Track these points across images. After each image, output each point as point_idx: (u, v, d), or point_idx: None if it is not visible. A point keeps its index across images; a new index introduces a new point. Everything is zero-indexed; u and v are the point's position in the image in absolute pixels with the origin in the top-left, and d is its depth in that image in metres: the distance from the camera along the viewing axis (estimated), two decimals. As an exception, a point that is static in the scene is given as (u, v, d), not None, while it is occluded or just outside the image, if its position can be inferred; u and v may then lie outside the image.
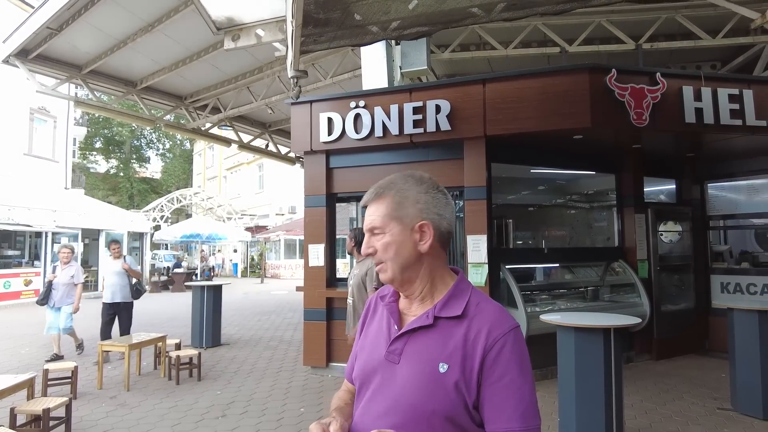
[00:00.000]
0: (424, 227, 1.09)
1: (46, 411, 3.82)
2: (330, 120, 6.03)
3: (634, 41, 7.66)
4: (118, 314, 7.23)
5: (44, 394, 4.95)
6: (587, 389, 3.62)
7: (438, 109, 5.63)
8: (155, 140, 48.30)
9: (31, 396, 4.11)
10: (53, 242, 15.56)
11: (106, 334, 7.10)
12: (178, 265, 21.42)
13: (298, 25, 3.48)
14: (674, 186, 7.91)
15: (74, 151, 25.09)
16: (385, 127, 5.80)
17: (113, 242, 7.52)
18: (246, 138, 12.92)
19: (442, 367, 1.00)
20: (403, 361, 1.07)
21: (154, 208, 24.57)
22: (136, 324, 10.30)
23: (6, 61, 9.53)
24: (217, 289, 8.05)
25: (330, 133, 6.02)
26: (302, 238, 25.36)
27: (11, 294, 13.96)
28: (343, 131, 5.97)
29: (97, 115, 36.75)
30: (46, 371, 5.14)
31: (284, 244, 26.71)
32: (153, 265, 24.22)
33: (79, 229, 16.27)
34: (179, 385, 5.72)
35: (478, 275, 5.56)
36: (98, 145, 43.30)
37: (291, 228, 28.00)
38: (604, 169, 7.17)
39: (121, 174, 42.76)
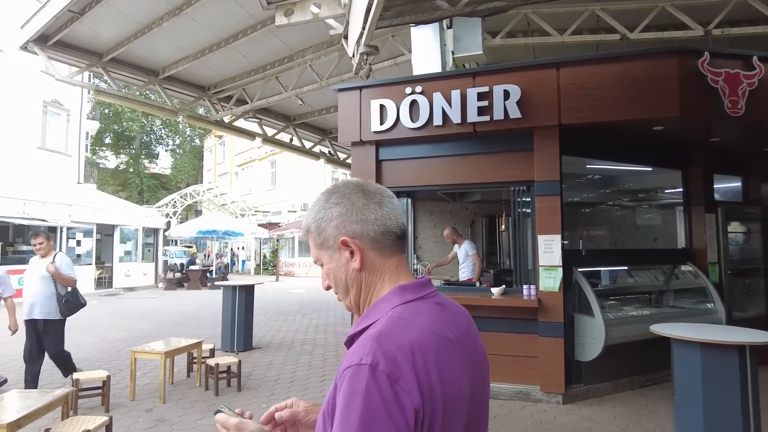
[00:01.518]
0: (346, 243, 0.95)
1: (86, 433, 3.32)
2: (382, 107, 5.50)
3: (701, 27, 7.10)
4: (41, 336, 5.04)
5: (74, 408, 4.46)
6: (721, 417, 3.09)
7: (506, 95, 5.09)
8: (164, 136, 48.10)
9: (66, 414, 3.63)
10: (68, 238, 15.15)
11: (31, 361, 5.01)
12: (192, 261, 20.96)
13: (385, -12, 2.97)
14: (739, 184, 7.34)
15: (87, 146, 24.69)
16: (445, 114, 5.27)
17: (38, 235, 5.24)
18: (268, 132, 12.44)
19: (329, 392, 0.90)
20: None
21: (167, 204, 24.14)
22: (158, 325, 9.82)
23: (24, 48, 9.09)
24: (249, 290, 7.55)
25: (382, 121, 5.50)
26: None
27: (25, 291, 13.52)
28: (398, 120, 5.44)
29: (108, 111, 36.47)
30: (76, 381, 4.65)
31: (298, 241, 26.22)
32: (166, 262, 23.83)
33: (94, 225, 15.85)
34: (218, 397, 5.22)
35: (551, 279, 5.03)
36: (108, 140, 43.06)
37: (304, 225, 27.49)
38: (670, 165, 6.59)
39: (131, 170, 42.50)
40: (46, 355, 5.13)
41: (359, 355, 0.81)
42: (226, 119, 11.52)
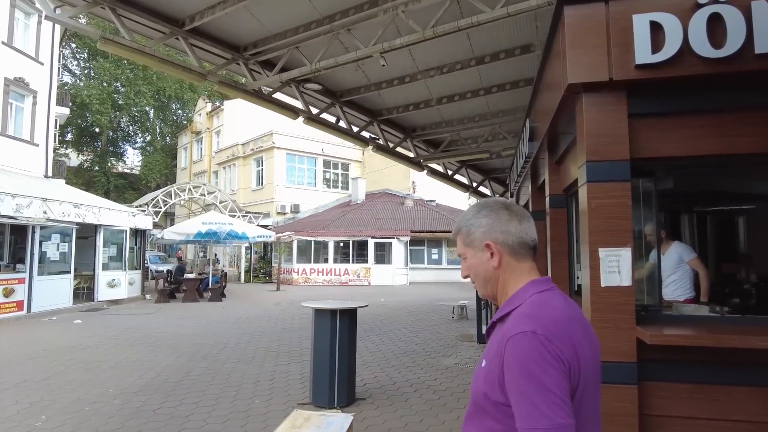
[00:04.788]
0: (489, 246, 1.22)
1: None
2: (656, 26, 3.36)
3: None
4: None
5: None
6: None
7: None
8: (132, 133, 44.75)
9: None
10: (41, 241, 12.24)
11: None
12: (181, 269, 18.14)
13: None
14: None
15: (56, 135, 21.48)
16: (775, 35, 3.20)
17: None
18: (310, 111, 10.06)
19: (482, 363, 1.16)
20: None
21: (148, 204, 21.16)
22: (184, 359, 6.25)
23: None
24: (353, 316, 5.22)
25: (656, 48, 3.35)
26: (317, 239, 22.46)
27: (-13, 308, 10.62)
28: (684, 45, 3.31)
29: (72, 104, 32.78)
30: None
31: (296, 245, 23.69)
32: (148, 269, 20.92)
33: (74, 225, 12.98)
34: None
35: None
36: (69, 137, 39.31)
37: (300, 228, 25.03)
38: None
39: (97, 168, 38.92)
40: None
41: (518, 328, 1.07)
42: (265, 90, 9.13)
